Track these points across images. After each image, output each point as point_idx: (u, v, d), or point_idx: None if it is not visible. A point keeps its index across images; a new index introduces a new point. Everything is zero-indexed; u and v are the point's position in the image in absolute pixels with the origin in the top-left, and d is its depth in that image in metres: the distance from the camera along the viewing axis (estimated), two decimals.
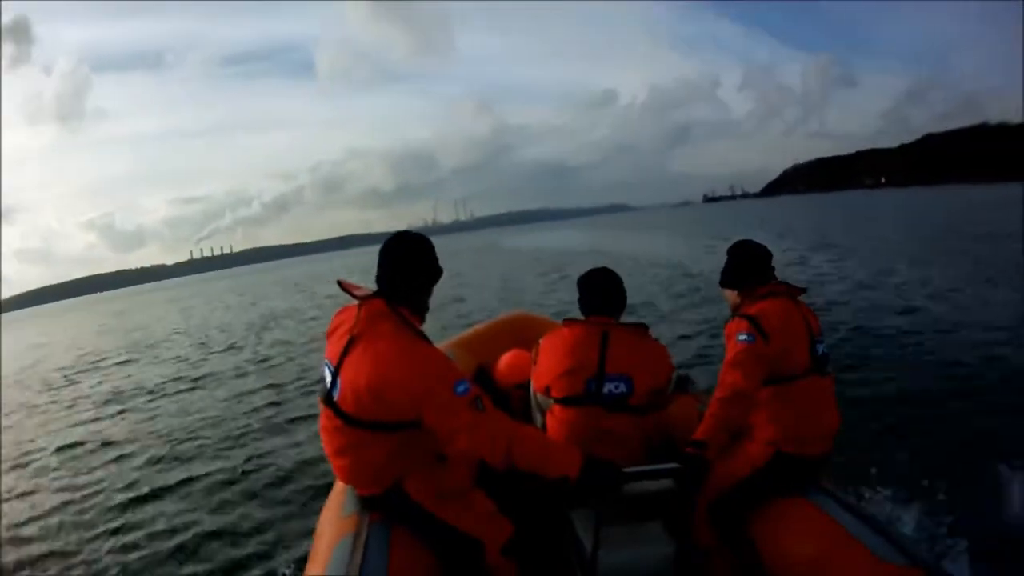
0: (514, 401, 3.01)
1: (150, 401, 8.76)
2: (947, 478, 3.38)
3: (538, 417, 2.43)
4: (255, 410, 7.16)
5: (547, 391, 2.28)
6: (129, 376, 11.60)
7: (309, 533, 2.20)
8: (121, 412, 8.36)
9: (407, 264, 1.88)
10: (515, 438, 1.70)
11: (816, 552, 1.77)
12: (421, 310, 1.91)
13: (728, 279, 2.39)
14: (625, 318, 2.36)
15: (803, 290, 2.30)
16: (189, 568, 3.59)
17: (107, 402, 9.28)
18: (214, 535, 3.91)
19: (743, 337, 2.09)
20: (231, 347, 13.14)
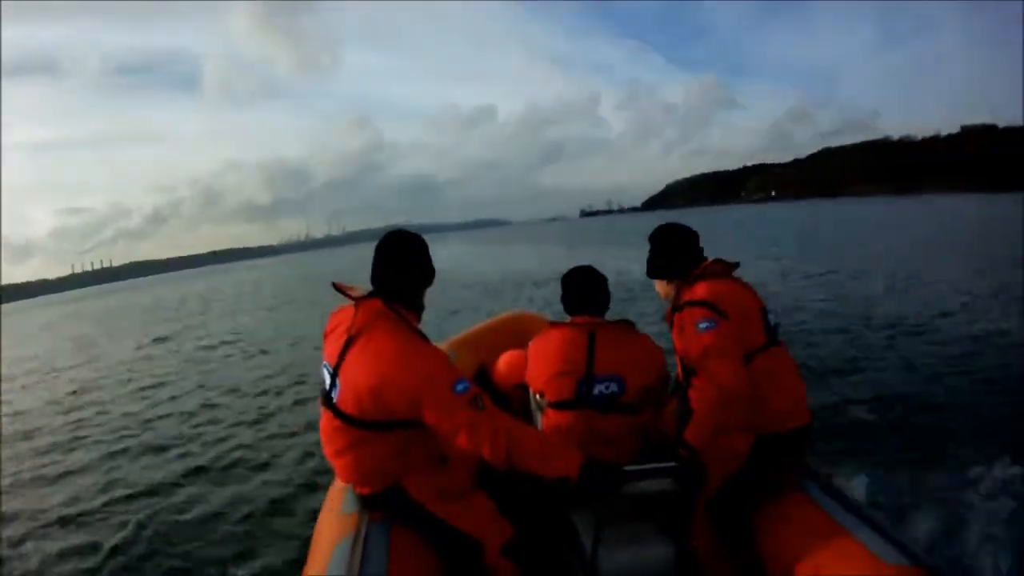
0: (514, 402, 2.95)
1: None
2: (947, 478, 3.42)
3: (538, 417, 2.39)
4: (251, 405, 7.00)
5: (541, 395, 2.25)
6: None
7: (308, 532, 2.16)
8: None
9: (404, 262, 1.89)
10: (514, 437, 1.70)
11: (816, 552, 1.75)
12: (417, 309, 1.92)
13: (657, 268, 2.24)
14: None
15: (736, 265, 2.17)
16: (185, 569, 3.55)
17: None
18: (210, 536, 3.86)
19: (705, 324, 1.94)
20: None
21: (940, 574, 1.57)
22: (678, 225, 2.25)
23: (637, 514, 1.95)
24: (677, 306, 2.09)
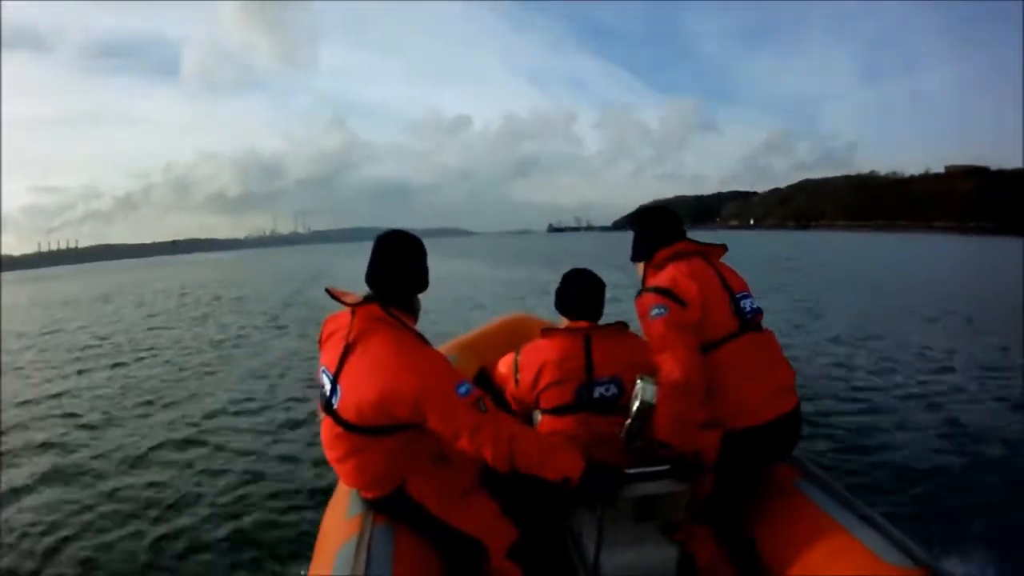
0: (513, 404, 2.99)
1: None
2: (949, 478, 3.42)
3: (538, 418, 2.38)
4: (251, 411, 6.60)
5: (536, 404, 2.24)
6: None
7: (312, 535, 2.15)
8: None
9: (403, 263, 1.87)
10: (516, 439, 1.71)
11: (817, 552, 1.75)
12: (414, 311, 1.92)
13: (638, 251, 2.16)
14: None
15: (722, 248, 2.11)
16: (188, 573, 3.46)
17: None
18: (211, 539, 3.73)
19: (656, 311, 1.89)
20: None
21: (940, 573, 1.56)
22: (660, 207, 2.18)
23: (639, 516, 1.95)
24: (638, 291, 2.03)
